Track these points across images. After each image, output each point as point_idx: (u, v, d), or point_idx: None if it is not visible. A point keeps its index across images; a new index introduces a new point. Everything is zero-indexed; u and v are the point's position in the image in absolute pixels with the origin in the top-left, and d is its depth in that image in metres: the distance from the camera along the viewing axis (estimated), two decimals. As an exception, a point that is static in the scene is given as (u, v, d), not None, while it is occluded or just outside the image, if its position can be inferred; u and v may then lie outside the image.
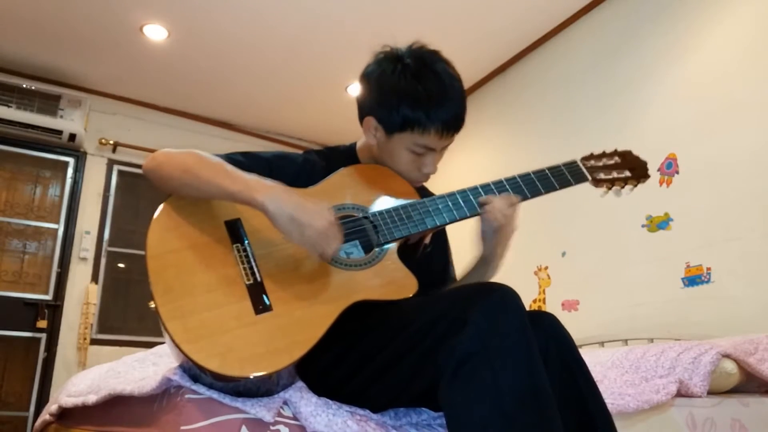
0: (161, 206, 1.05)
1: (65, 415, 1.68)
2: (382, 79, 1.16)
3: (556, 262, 2.90)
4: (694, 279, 2.25)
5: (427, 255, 1.22)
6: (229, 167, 1.03)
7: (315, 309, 0.96)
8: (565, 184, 1.20)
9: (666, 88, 2.52)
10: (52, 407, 1.72)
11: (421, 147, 1.15)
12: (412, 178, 1.20)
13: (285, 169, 1.17)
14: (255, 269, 0.99)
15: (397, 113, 1.13)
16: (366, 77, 1.20)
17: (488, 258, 1.20)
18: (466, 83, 3.73)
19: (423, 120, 1.12)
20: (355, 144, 1.30)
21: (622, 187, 1.24)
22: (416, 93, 1.11)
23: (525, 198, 1.17)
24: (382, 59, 1.18)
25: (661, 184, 2.44)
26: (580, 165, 1.22)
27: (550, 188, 1.18)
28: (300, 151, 1.27)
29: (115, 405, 1.23)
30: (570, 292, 2.82)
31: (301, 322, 0.94)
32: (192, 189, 1.03)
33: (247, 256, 1.00)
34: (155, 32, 3.30)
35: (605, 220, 2.66)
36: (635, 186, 1.25)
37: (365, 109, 1.19)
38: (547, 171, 1.19)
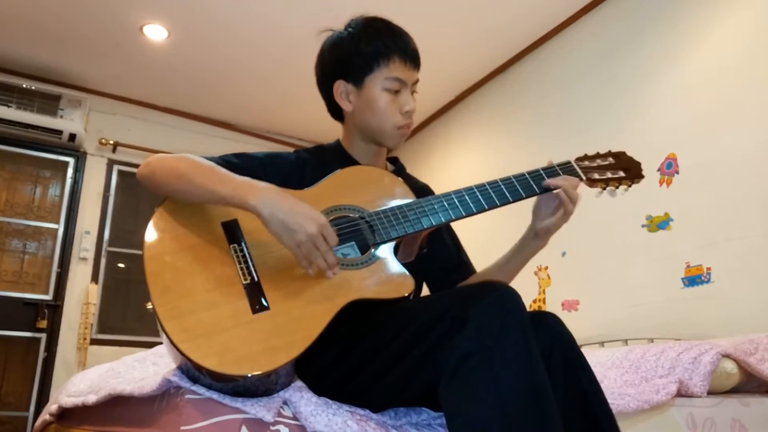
0: (158, 208, 1.06)
1: (65, 415, 1.68)
2: (336, 45, 1.24)
3: (556, 262, 2.90)
4: (694, 279, 2.25)
5: (424, 255, 1.22)
6: (222, 171, 1.04)
7: (312, 308, 0.96)
8: None
9: (666, 88, 2.52)
10: (52, 407, 1.72)
11: (393, 80, 1.19)
12: (398, 122, 1.22)
13: (277, 168, 1.19)
14: (252, 269, 0.99)
15: (358, 56, 1.20)
16: (320, 55, 1.28)
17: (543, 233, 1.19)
18: (466, 83, 3.76)
19: (382, 49, 1.19)
20: (338, 140, 1.33)
21: (617, 188, 1.24)
22: (367, 33, 1.21)
23: (520, 198, 1.17)
24: (329, 36, 1.28)
25: (661, 184, 2.44)
26: (575, 166, 1.23)
27: (545, 189, 1.18)
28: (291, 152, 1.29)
29: (115, 405, 1.23)
30: (570, 292, 2.82)
31: (298, 321, 0.94)
32: (186, 194, 1.04)
33: (244, 256, 1.01)
34: (155, 32, 3.30)
35: (605, 220, 2.66)
36: (629, 186, 1.25)
37: (329, 77, 1.25)
38: (542, 171, 1.19)
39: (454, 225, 1.37)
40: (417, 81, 1.25)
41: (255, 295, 0.96)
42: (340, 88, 1.24)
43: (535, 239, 1.20)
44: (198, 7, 3.07)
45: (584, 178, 1.22)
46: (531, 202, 1.21)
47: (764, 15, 2.19)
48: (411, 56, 1.22)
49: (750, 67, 2.21)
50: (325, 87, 1.28)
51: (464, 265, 1.35)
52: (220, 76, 3.77)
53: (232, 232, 1.04)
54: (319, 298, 0.98)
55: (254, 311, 0.94)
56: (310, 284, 1.00)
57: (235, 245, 1.02)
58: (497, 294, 0.90)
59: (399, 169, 1.35)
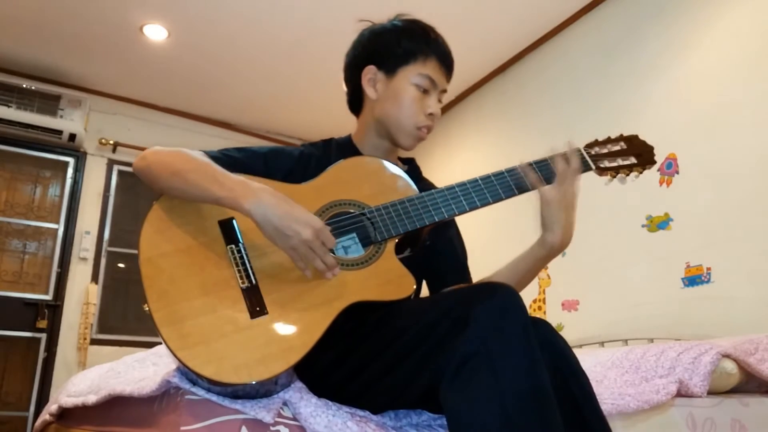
0: (153, 207, 1.03)
1: (65, 415, 1.68)
2: (378, 33, 1.24)
3: (556, 262, 2.87)
4: (694, 279, 2.25)
5: (426, 248, 1.20)
6: (218, 169, 1.01)
7: (311, 312, 0.95)
8: None
9: (666, 87, 2.52)
10: (52, 407, 1.72)
11: (425, 78, 1.19)
12: (419, 121, 1.20)
13: (280, 163, 1.17)
14: (250, 271, 0.98)
15: (398, 47, 1.20)
16: (359, 38, 1.27)
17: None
18: (466, 83, 3.76)
19: (423, 48, 1.20)
20: (350, 135, 1.31)
21: (627, 175, 1.19)
22: (412, 30, 1.22)
23: (527, 190, 1.13)
24: (371, 26, 1.27)
25: (661, 184, 2.44)
26: (584, 153, 1.18)
27: (552, 178, 1.12)
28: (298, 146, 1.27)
29: (115, 405, 1.23)
30: (570, 292, 2.82)
31: (298, 326, 0.93)
32: (180, 192, 1.02)
33: (241, 258, 0.99)
34: (155, 32, 3.30)
35: (605, 220, 2.66)
36: (641, 173, 1.19)
37: (361, 61, 1.24)
38: (548, 161, 1.15)
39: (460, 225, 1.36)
40: (445, 91, 1.25)
41: (253, 300, 0.94)
42: (370, 74, 1.22)
43: (542, 235, 1.12)
44: (198, 7, 3.07)
45: (594, 167, 1.17)
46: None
47: (764, 15, 2.19)
48: (447, 64, 1.23)
49: (750, 67, 2.20)
50: (353, 72, 1.25)
51: (464, 270, 1.31)
52: (220, 76, 3.76)
53: (229, 231, 1.02)
54: (319, 301, 0.97)
55: (252, 316, 0.93)
56: (309, 287, 0.98)
57: (233, 246, 1.00)
58: (498, 295, 0.89)
59: (413, 170, 1.31)
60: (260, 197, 0.96)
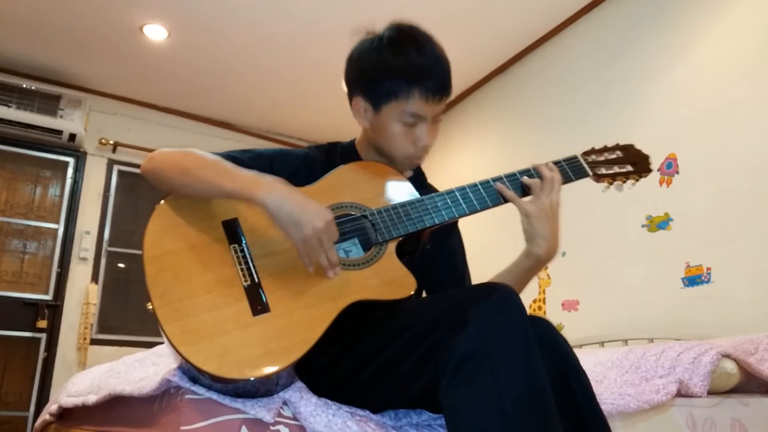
0: (157, 206, 1.05)
1: (65, 415, 1.68)
2: (363, 56, 1.17)
3: (556, 262, 2.87)
4: (694, 279, 2.25)
5: (426, 252, 1.21)
6: (227, 165, 1.03)
7: (313, 309, 0.96)
8: (565, 179, 1.18)
9: (666, 87, 2.52)
10: (52, 407, 1.72)
11: (409, 116, 1.14)
12: (410, 154, 1.18)
13: (284, 165, 1.18)
14: (253, 270, 0.99)
15: (379, 86, 1.14)
16: (349, 58, 1.21)
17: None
18: (466, 83, 3.76)
19: (404, 87, 1.12)
20: (354, 140, 1.30)
21: (624, 182, 1.22)
22: (395, 63, 1.12)
23: (525, 194, 1.15)
24: (362, 39, 1.20)
25: (661, 184, 2.44)
26: (581, 160, 1.20)
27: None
28: (303, 148, 1.27)
29: (115, 405, 1.23)
30: (570, 292, 2.82)
31: (299, 323, 0.94)
32: (191, 190, 1.03)
33: (244, 257, 1.00)
34: (155, 32, 3.30)
35: (605, 220, 2.66)
36: (637, 181, 1.22)
37: (352, 89, 1.21)
38: (532, 171, 1.17)
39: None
40: (442, 111, 1.19)
41: (255, 297, 0.95)
42: (360, 104, 1.18)
43: (528, 248, 1.14)
44: (198, 7, 3.07)
45: (591, 173, 1.20)
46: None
47: (764, 15, 2.19)
48: (434, 92, 1.14)
49: (750, 67, 2.20)
50: (349, 89, 1.23)
51: (463, 281, 1.30)
52: (220, 76, 3.76)
53: (233, 231, 1.03)
54: (321, 300, 0.97)
55: (255, 313, 0.94)
56: (312, 285, 0.99)
57: (236, 245, 1.01)
58: (497, 295, 0.90)
59: (417, 176, 1.31)
60: (275, 187, 0.98)
